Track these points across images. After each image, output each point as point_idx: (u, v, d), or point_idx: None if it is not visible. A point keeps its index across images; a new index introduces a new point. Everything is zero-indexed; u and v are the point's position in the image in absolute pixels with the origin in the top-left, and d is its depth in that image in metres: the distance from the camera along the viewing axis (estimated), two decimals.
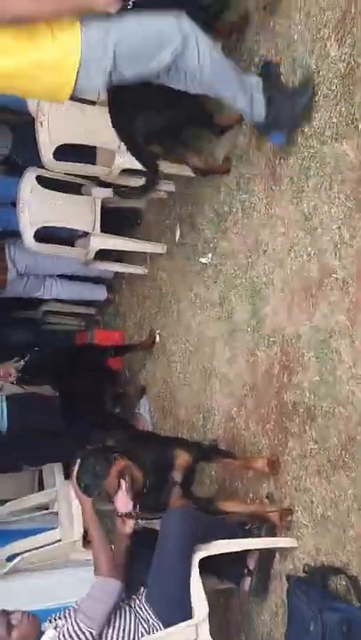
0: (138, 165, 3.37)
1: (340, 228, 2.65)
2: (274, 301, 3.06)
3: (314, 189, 2.79)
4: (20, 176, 3.89)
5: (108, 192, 4.02)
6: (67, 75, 2.38)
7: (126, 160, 3.58)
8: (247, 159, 3.30)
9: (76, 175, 3.98)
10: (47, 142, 3.61)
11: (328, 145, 2.69)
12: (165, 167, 3.56)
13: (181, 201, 3.98)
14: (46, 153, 3.64)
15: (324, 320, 2.71)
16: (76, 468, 2.69)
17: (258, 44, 3.16)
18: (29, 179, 3.86)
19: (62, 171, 3.86)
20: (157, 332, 4.24)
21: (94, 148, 3.87)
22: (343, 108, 2.60)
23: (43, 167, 3.78)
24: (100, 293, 4.85)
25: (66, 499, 3.79)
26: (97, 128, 3.51)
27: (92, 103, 3.53)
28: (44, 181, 3.90)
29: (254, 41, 3.18)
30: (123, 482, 2.58)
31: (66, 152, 3.69)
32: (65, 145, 3.65)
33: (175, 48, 2.44)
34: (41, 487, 4.46)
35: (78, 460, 2.69)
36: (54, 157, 3.66)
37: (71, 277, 4.66)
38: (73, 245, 4.22)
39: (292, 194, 2.94)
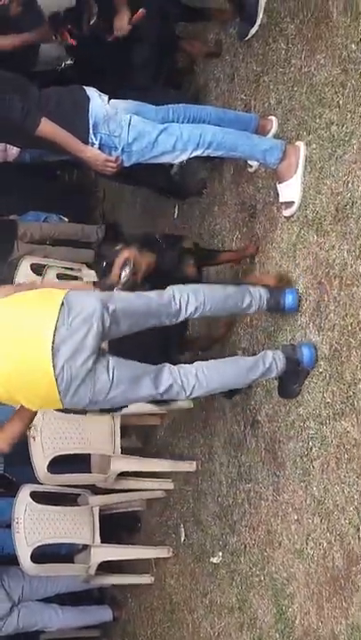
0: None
1: (357, 508, 2.50)
2: (300, 599, 2.78)
3: (321, 470, 2.70)
4: (15, 495, 3.78)
5: (105, 499, 3.89)
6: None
7: (122, 464, 3.53)
8: (246, 448, 3.25)
9: (71, 486, 3.88)
10: (41, 456, 3.57)
11: (327, 425, 2.66)
12: (165, 466, 3.50)
13: (182, 498, 3.84)
14: (40, 467, 3.59)
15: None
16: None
17: (239, 337, 3.31)
18: (24, 497, 3.75)
19: (58, 483, 3.77)
20: None
21: (88, 455, 3.83)
22: (335, 388, 2.62)
23: (37, 482, 3.70)
24: (104, 614, 4.43)
25: None
26: (90, 436, 3.51)
27: (84, 413, 3.56)
28: (39, 496, 3.78)
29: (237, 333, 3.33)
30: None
31: (60, 461, 3.65)
32: (58, 455, 3.61)
33: None
34: None
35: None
36: (48, 470, 3.59)
37: (71, 594, 4.31)
38: (72, 561, 3.96)
39: (298, 477, 2.84)
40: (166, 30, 3.53)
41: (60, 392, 2.34)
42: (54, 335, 2.30)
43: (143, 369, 2.52)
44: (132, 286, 2.77)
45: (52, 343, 2.29)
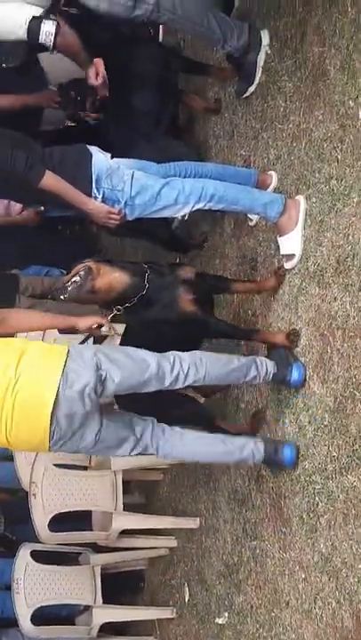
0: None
1: None
2: None
3: (328, 527, 2.64)
4: (14, 555, 3.70)
5: (107, 558, 3.81)
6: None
7: (125, 521, 3.46)
8: (251, 503, 3.19)
9: (72, 544, 3.80)
10: (41, 513, 3.52)
11: (333, 479, 2.61)
12: (166, 523, 3.43)
13: (186, 556, 3.76)
14: (41, 525, 3.53)
15: None
16: None
17: (242, 390, 3.28)
18: (24, 556, 3.67)
19: (58, 542, 3.69)
20: None
21: (89, 512, 3.76)
22: (341, 441, 2.58)
23: (38, 540, 3.62)
24: None
25: None
26: (91, 492, 3.45)
27: (85, 468, 3.52)
28: (39, 555, 3.70)
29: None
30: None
31: (60, 520, 3.59)
32: (59, 513, 3.54)
33: None
34: None
35: None
36: (49, 528, 3.52)
37: None
38: (74, 623, 3.85)
39: (305, 534, 2.77)
40: (168, 79, 3.60)
41: (49, 444, 2.49)
42: (55, 401, 2.42)
43: (129, 431, 2.63)
44: (79, 297, 2.69)
45: (52, 409, 2.42)
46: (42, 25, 2.80)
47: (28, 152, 2.76)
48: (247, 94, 3.40)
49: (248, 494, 3.22)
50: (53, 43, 2.83)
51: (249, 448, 2.80)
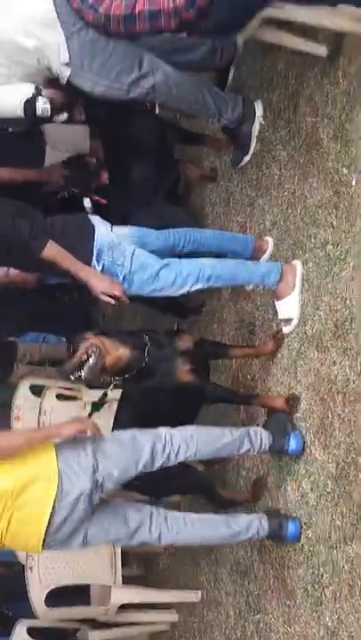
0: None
1: None
2: None
3: (333, 599, 2.56)
4: (10, 633, 3.57)
5: (106, 635, 3.67)
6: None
7: (124, 595, 3.35)
8: (254, 575, 3.09)
9: (70, 620, 3.67)
10: (38, 588, 3.42)
11: (338, 549, 2.54)
12: (166, 597, 3.32)
13: (187, 631, 3.65)
14: (37, 600, 3.42)
15: None
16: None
17: (242, 457, 3.23)
18: (20, 633, 3.54)
19: (55, 618, 3.57)
20: None
21: (88, 586, 3.65)
22: (344, 509, 2.53)
23: (35, 616, 3.50)
24: None
25: None
26: (89, 565, 3.36)
27: None
28: (36, 632, 3.57)
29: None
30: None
31: (57, 594, 3.48)
32: (56, 587, 3.44)
33: None
34: None
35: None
36: (46, 602, 3.41)
37: None
38: None
39: (310, 607, 2.68)
40: (165, 150, 3.67)
41: (42, 548, 2.51)
42: (51, 514, 2.42)
43: (117, 534, 2.61)
44: (94, 377, 2.69)
45: (49, 522, 2.42)
46: (36, 103, 2.97)
47: (31, 221, 2.78)
48: (242, 164, 3.47)
49: (251, 565, 3.13)
50: (51, 113, 2.98)
51: (254, 527, 2.76)
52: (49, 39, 2.89)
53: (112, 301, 2.82)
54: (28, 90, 3.01)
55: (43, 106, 2.99)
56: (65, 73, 2.98)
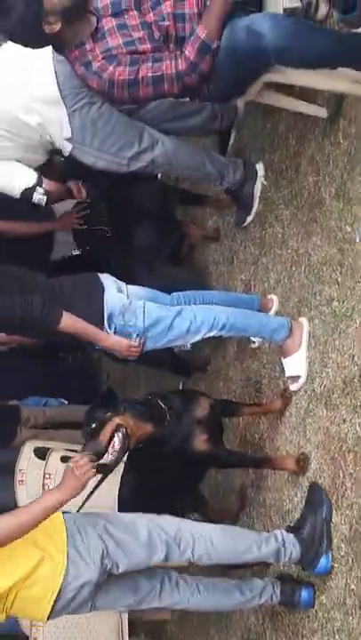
0: None
1: None
2: None
3: None
4: None
5: None
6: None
7: None
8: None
9: None
10: None
11: (354, 615, 2.45)
12: None
13: None
14: None
15: None
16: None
17: (252, 519, 3.15)
18: None
19: None
20: None
21: None
22: (359, 573, 2.45)
23: None
24: None
25: None
26: (95, 634, 3.25)
27: None
28: None
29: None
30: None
31: None
32: None
33: None
34: None
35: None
36: None
37: None
38: None
39: None
40: (168, 213, 3.71)
41: (48, 618, 2.45)
42: (58, 596, 2.37)
43: (126, 602, 2.54)
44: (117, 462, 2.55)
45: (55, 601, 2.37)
46: (34, 193, 3.15)
47: (41, 295, 2.73)
48: (246, 224, 3.50)
49: (263, 633, 3.01)
50: (45, 204, 3.19)
51: (268, 594, 2.68)
52: (52, 116, 2.97)
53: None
54: (30, 178, 3.16)
55: (39, 197, 3.16)
56: (67, 148, 3.06)
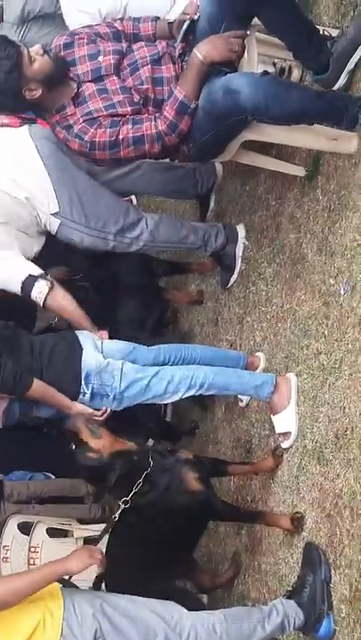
0: None
1: None
2: None
3: None
4: None
5: None
6: None
7: None
8: None
9: None
10: None
11: None
12: None
13: None
14: None
15: None
16: None
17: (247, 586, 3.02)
18: None
19: None
20: None
21: None
22: None
23: None
24: None
25: None
26: None
27: None
28: None
29: None
30: None
31: None
32: None
33: None
34: None
35: None
36: None
37: None
38: None
39: None
40: (150, 287, 3.72)
41: None
42: None
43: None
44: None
45: None
46: (35, 283, 2.91)
47: (16, 362, 2.74)
48: (230, 284, 3.51)
49: None
50: (43, 302, 2.93)
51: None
52: (36, 190, 2.96)
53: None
54: (32, 270, 2.96)
55: (40, 289, 2.88)
56: (54, 225, 3.03)
